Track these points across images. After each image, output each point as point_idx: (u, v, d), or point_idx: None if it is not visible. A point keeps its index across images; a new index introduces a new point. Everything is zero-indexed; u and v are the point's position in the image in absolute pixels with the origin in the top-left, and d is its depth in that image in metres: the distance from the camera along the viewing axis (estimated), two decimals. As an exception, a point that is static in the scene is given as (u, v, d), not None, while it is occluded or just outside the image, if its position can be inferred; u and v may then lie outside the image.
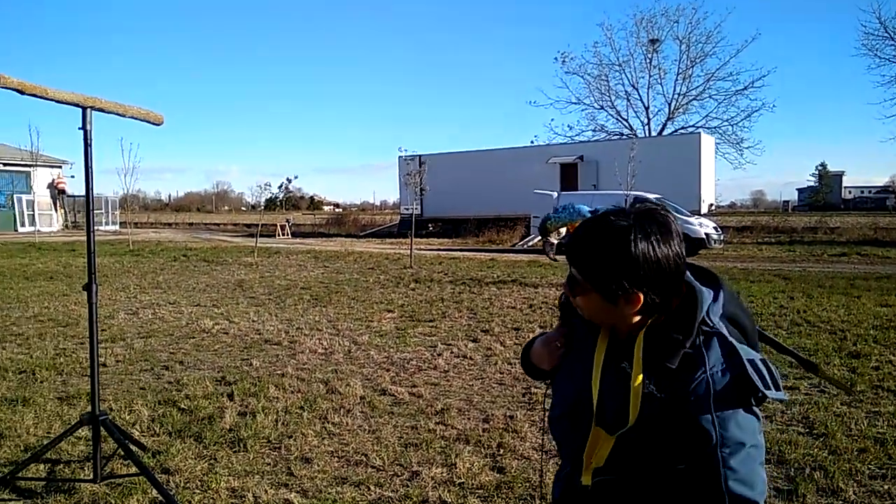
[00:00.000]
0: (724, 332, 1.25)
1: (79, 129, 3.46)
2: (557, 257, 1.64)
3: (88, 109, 3.42)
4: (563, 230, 1.60)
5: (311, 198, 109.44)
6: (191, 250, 20.25)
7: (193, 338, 7.11)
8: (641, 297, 1.23)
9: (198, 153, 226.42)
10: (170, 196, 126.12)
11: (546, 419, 1.52)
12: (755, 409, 1.24)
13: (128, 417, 4.41)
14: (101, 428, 3.31)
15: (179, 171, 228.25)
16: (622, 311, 1.26)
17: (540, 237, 1.65)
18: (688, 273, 1.31)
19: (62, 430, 3.92)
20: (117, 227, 36.02)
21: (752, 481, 1.22)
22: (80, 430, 3.70)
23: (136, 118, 3.69)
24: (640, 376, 1.24)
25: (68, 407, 4.66)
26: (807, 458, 3.69)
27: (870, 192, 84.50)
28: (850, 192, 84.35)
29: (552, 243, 1.62)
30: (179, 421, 4.32)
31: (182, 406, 4.65)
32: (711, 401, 1.18)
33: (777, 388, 1.19)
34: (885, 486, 3.35)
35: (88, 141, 3.44)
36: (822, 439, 3.97)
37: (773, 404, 4.61)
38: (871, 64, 32.94)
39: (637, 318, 1.28)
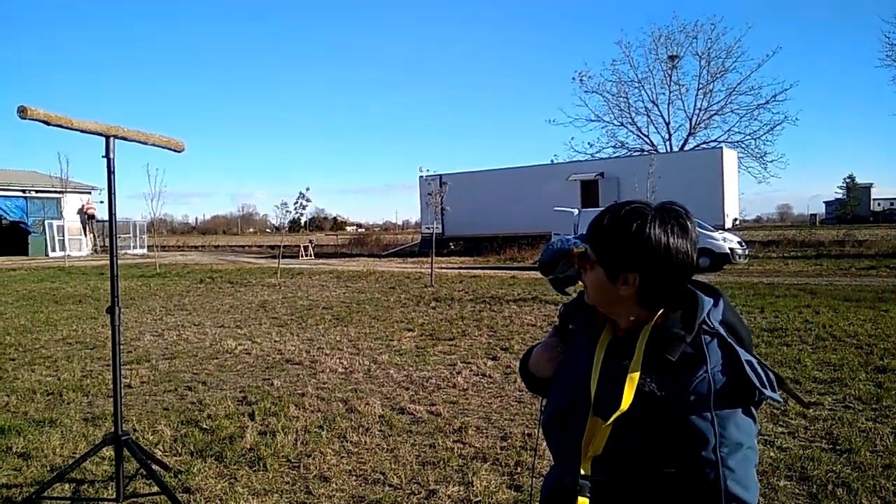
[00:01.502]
0: (724, 333, 1.28)
1: (102, 157, 3.59)
2: (569, 290, 1.69)
3: (111, 138, 3.54)
4: (563, 263, 1.64)
5: (335, 218, 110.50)
6: (216, 272, 20.53)
7: (217, 358, 7.21)
8: (637, 278, 1.28)
9: (224, 177, 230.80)
10: (196, 219, 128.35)
11: (539, 422, 1.55)
12: (753, 411, 1.26)
13: (151, 437, 4.49)
14: (124, 448, 3.38)
15: (206, 195, 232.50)
16: (619, 292, 1.31)
17: (547, 277, 1.71)
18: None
19: (87, 450, 4.01)
20: (145, 251, 36.69)
21: (749, 483, 1.23)
22: (104, 451, 3.78)
23: (157, 146, 3.80)
24: (639, 366, 1.27)
25: (94, 427, 4.75)
26: (830, 474, 3.62)
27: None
28: (879, 205, 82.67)
29: (562, 277, 1.68)
30: (201, 441, 4.38)
31: (204, 426, 4.72)
32: (712, 400, 1.21)
33: (773, 390, 1.22)
34: (912, 504, 3.28)
35: (112, 168, 3.55)
36: (845, 455, 3.90)
37: (796, 420, 4.54)
38: (895, 75, 32.29)
39: (637, 312, 1.32)
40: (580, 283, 1.65)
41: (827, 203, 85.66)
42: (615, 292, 1.32)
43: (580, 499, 1.31)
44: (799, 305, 10.19)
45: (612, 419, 1.27)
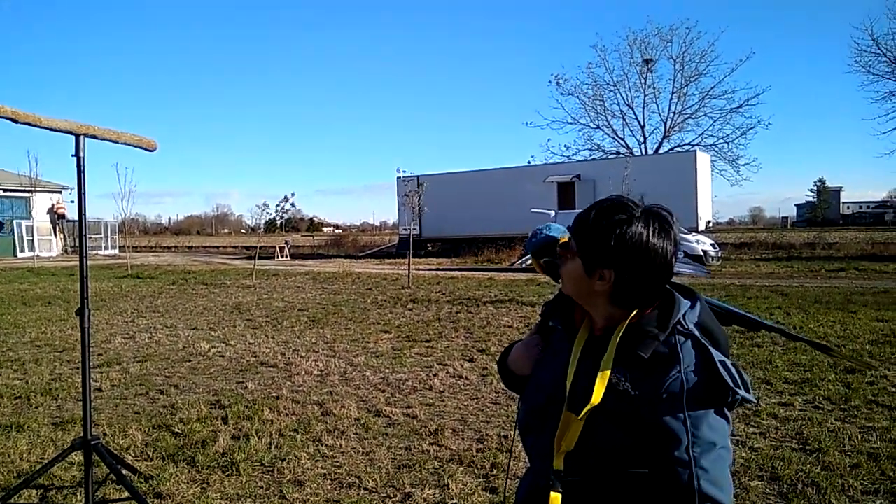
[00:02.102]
0: (698, 335, 1.29)
1: (72, 156, 3.51)
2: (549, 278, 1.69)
3: (82, 137, 3.47)
4: (552, 249, 1.64)
5: (311, 219, 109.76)
6: (189, 273, 20.27)
7: (189, 361, 7.11)
8: (612, 275, 1.29)
9: (198, 177, 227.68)
10: (170, 220, 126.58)
11: (516, 422, 1.55)
12: (726, 412, 1.27)
13: (121, 442, 4.41)
14: (93, 453, 3.32)
15: (180, 195, 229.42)
16: (594, 287, 1.32)
17: (531, 261, 1.71)
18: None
19: (55, 455, 3.92)
20: (117, 251, 36.07)
21: (723, 483, 1.23)
22: (73, 456, 3.70)
23: (129, 144, 3.74)
24: (610, 363, 1.28)
25: (62, 432, 4.65)
26: (800, 474, 3.69)
27: (868, 207, 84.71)
28: (848, 208, 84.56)
29: (551, 264, 1.68)
30: (173, 445, 4.32)
31: (176, 430, 4.64)
32: (685, 399, 1.21)
33: (747, 390, 1.23)
34: (878, 502, 3.35)
35: (82, 167, 3.48)
36: (815, 455, 3.97)
37: (767, 420, 4.61)
38: (864, 80, 33.08)
39: (610, 310, 1.34)
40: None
41: (798, 206, 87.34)
42: (590, 286, 1.33)
43: (553, 494, 1.30)
44: (770, 307, 10.36)
45: (583, 413, 1.27)
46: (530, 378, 1.51)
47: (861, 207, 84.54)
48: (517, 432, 1.53)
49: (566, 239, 1.42)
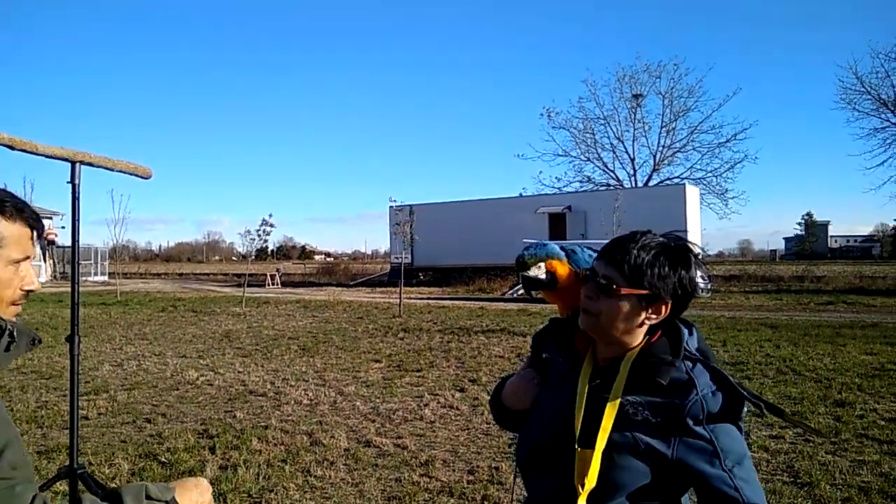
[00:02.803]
0: (702, 358, 1.33)
1: (67, 182, 3.52)
2: (533, 293, 1.66)
3: (77, 164, 3.49)
4: (542, 265, 1.62)
5: (303, 247, 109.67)
6: (179, 300, 20.13)
7: (177, 389, 7.03)
8: (667, 307, 1.31)
9: (189, 205, 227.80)
10: (160, 246, 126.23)
11: (515, 461, 1.53)
12: (741, 424, 1.30)
13: (107, 471, 4.34)
14: (79, 482, 3.26)
15: (171, 222, 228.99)
16: (643, 318, 1.32)
17: (519, 272, 1.67)
18: None
19: (40, 483, 3.85)
20: (106, 278, 35.82)
21: (759, 489, 1.25)
22: (57, 485, 3.64)
23: (124, 172, 3.76)
24: (620, 392, 1.29)
25: (47, 461, 4.58)
26: (791, 508, 3.67)
27: (855, 240, 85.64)
28: (836, 241, 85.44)
29: (531, 277, 1.64)
30: (160, 474, 4.26)
31: (163, 459, 4.58)
32: (705, 419, 1.24)
33: (759, 398, 1.28)
34: (870, 537, 3.34)
35: (77, 195, 3.49)
36: (806, 489, 3.96)
37: (758, 453, 4.61)
38: (849, 117, 33.71)
39: (641, 336, 1.34)
40: (544, 294, 1.64)
41: (786, 239, 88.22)
42: (638, 319, 1.32)
43: None
44: (760, 339, 10.40)
45: (599, 447, 1.27)
46: (529, 414, 1.46)
47: (849, 241, 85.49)
48: (515, 467, 1.50)
49: (601, 280, 1.35)
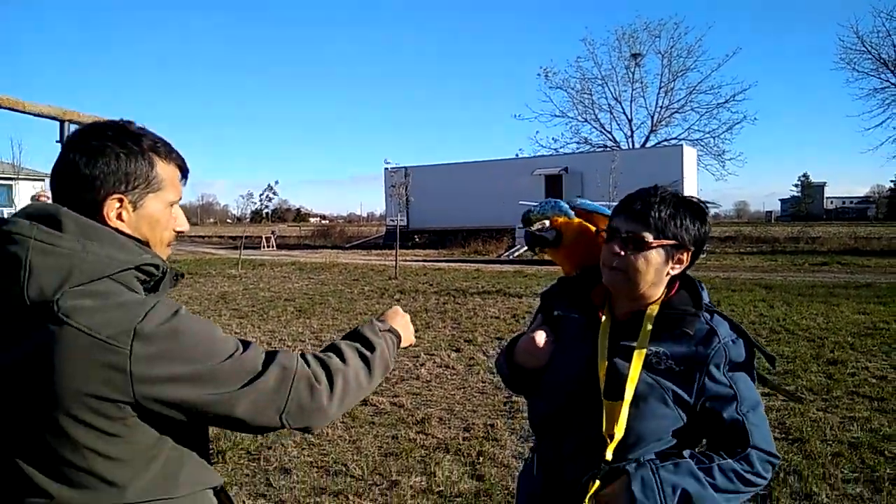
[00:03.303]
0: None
1: (56, 142, 3.47)
2: (537, 250, 1.64)
3: (66, 123, 3.43)
4: (547, 223, 1.60)
5: (298, 210, 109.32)
6: (174, 263, 20.03)
7: (175, 350, 7.06)
8: (688, 257, 1.38)
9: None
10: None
11: (531, 418, 1.54)
12: (753, 372, 1.37)
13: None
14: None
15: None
16: (667, 269, 1.37)
17: (524, 229, 1.66)
18: None
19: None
20: (100, 240, 35.66)
21: (769, 437, 1.32)
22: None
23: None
24: (646, 343, 1.34)
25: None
26: (782, 462, 3.73)
27: (851, 202, 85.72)
28: (831, 203, 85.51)
29: (537, 235, 1.62)
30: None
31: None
32: (726, 366, 1.31)
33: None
34: (858, 490, 3.40)
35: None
36: (797, 444, 4.03)
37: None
38: (849, 77, 33.44)
39: (663, 286, 1.39)
40: (546, 254, 1.63)
41: (782, 201, 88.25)
42: (664, 269, 1.36)
43: (594, 483, 1.31)
44: (754, 300, 10.46)
45: (628, 397, 1.30)
46: (546, 372, 1.46)
47: (844, 202, 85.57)
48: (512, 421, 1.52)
49: (633, 234, 1.36)
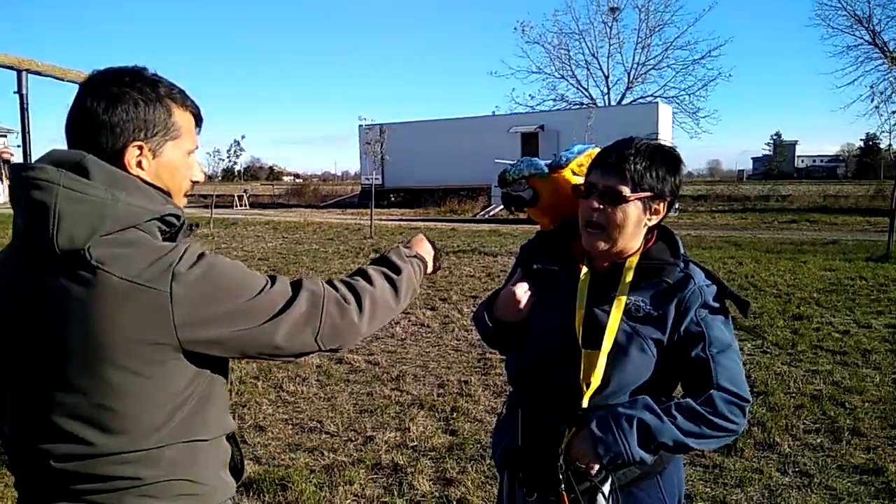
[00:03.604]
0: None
1: (14, 93, 3.34)
2: (514, 209, 1.63)
3: (24, 73, 3.29)
4: (524, 182, 1.58)
5: (271, 168, 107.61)
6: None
7: (147, 310, 6.98)
8: (664, 207, 1.39)
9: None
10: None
11: (510, 370, 1.54)
12: (729, 320, 1.39)
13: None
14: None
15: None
16: (644, 220, 1.37)
17: (501, 189, 1.64)
18: None
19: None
20: (68, 199, 34.83)
21: (739, 380, 1.32)
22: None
23: (75, 82, 3.56)
24: (626, 292, 1.36)
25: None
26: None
27: (822, 160, 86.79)
28: (802, 161, 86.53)
29: (513, 195, 1.60)
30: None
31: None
32: (698, 308, 1.33)
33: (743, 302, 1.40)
34: (818, 440, 3.53)
35: (25, 105, 3.32)
36: (762, 397, 4.15)
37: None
38: (823, 34, 33.53)
39: (640, 238, 1.40)
40: (529, 211, 1.62)
41: (754, 159, 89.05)
42: (641, 223, 1.36)
43: (569, 432, 1.33)
44: (724, 257, 10.64)
45: (606, 347, 1.32)
46: (527, 325, 1.46)
47: (815, 161, 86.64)
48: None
49: (611, 188, 1.35)
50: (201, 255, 1.07)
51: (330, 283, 1.23)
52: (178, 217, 1.12)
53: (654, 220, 1.38)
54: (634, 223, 1.35)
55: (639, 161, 1.33)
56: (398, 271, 1.31)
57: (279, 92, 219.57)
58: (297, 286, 1.17)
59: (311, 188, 43.01)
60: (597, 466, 1.30)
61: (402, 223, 19.16)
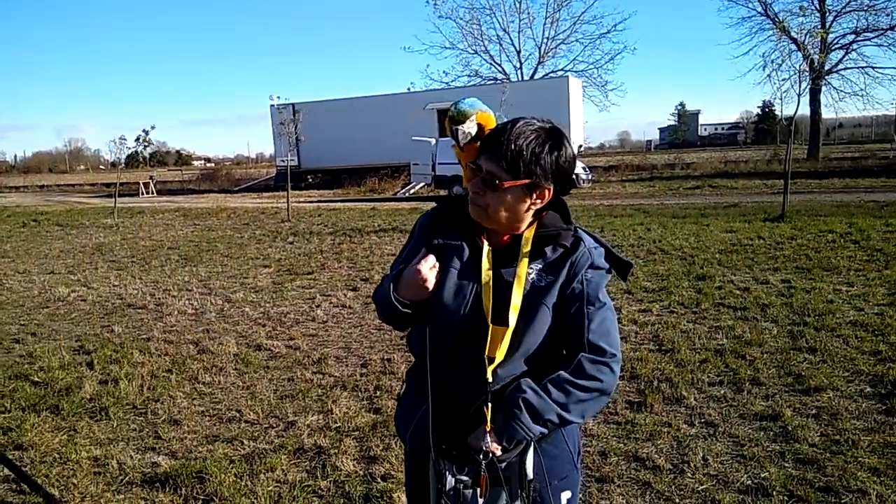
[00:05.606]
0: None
1: None
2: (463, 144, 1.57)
3: None
4: (474, 119, 1.52)
5: (178, 152, 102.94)
6: (42, 215, 18.53)
7: (47, 307, 6.58)
8: (550, 192, 1.38)
9: (46, 108, 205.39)
10: (16, 157, 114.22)
11: (417, 347, 1.51)
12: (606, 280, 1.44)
13: (-29, 397, 4.05)
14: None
15: (26, 129, 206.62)
16: (529, 204, 1.37)
17: (454, 126, 1.55)
18: None
19: None
20: (-48, 194, 32.22)
21: (609, 336, 1.38)
22: None
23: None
24: (526, 265, 1.38)
25: None
26: (655, 372, 4.05)
27: (723, 128, 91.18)
28: (705, 130, 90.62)
29: (465, 132, 1.53)
30: (33, 395, 4.02)
31: (35, 379, 4.33)
32: (587, 267, 1.38)
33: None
34: (722, 392, 3.75)
35: None
36: (669, 354, 4.37)
37: (628, 326, 5.00)
38: (720, 5, 35.11)
39: (529, 219, 1.41)
40: (463, 152, 1.57)
41: (661, 129, 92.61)
42: (526, 205, 1.37)
43: (487, 408, 1.34)
44: (633, 224, 11.07)
45: (512, 324, 1.33)
46: (433, 301, 1.41)
47: (717, 129, 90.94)
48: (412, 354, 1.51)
49: (490, 171, 1.34)
50: None
51: None
52: None
53: (540, 204, 1.39)
54: (513, 210, 1.36)
55: (514, 147, 1.32)
56: None
57: (188, 72, 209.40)
58: None
59: (223, 172, 41.55)
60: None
61: (320, 205, 18.81)
